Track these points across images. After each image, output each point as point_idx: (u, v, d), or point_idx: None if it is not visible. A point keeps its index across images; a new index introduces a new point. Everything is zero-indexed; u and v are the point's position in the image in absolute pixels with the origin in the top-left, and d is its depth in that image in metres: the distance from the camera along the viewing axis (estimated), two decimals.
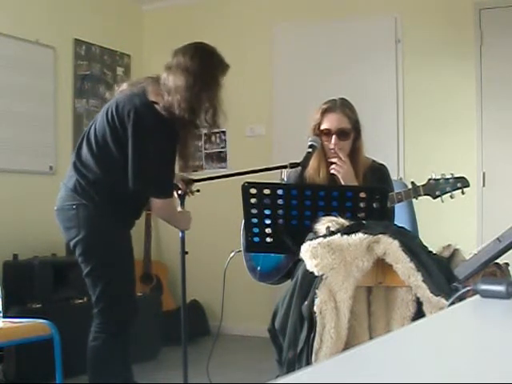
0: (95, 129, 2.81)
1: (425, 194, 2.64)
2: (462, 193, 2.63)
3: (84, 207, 2.75)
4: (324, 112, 2.81)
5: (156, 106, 2.69)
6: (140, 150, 2.70)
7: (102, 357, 2.82)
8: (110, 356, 2.82)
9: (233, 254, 2.79)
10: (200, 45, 2.81)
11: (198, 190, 3.08)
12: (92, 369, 2.82)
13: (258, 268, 2.79)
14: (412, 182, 2.66)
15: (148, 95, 2.73)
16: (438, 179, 2.62)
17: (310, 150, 2.74)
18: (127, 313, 2.89)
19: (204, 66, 2.72)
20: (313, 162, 2.79)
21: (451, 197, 2.65)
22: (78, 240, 2.78)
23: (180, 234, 2.95)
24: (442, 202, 2.65)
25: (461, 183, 2.62)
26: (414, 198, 2.68)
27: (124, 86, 2.90)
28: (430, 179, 2.64)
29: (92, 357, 2.81)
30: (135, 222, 2.98)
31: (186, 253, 2.95)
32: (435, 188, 2.62)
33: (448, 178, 2.63)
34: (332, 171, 2.77)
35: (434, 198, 2.64)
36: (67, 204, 2.79)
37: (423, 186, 2.64)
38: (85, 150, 2.81)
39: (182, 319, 2.95)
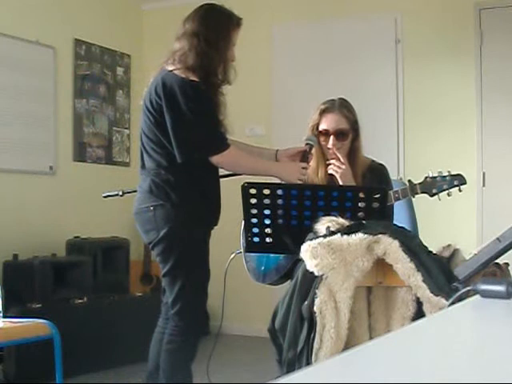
0: (141, 127, 2.82)
1: (422, 192, 2.63)
2: (459, 190, 2.63)
3: (161, 207, 2.71)
4: (322, 112, 2.81)
5: (175, 72, 2.72)
6: (175, 119, 2.68)
7: (178, 360, 2.77)
8: (184, 359, 2.78)
9: (233, 255, 2.78)
10: (205, 7, 2.85)
11: None
12: (166, 372, 2.77)
13: (262, 268, 2.79)
14: (409, 180, 2.66)
15: (167, 70, 2.76)
16: (435, 177, 2.62)
17: (307, 148, 2.75)
18: (201, 315, 2.86)
19: (210, 27, 2.77)
20: (311, 162, 2.80)
21: (448, 194, 2.64)
22: (157, 240, 2.73)
23: None
24: (439, 199, 2.64)
25: (457, 180, 2.61)
26: (412, 195, 2.67)
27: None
28: (426, 177, 2.63)
29: (167, 360, 2.76)
30: (214, 220, 2.86)
31: None
32: (432, 186, 2.62)
33: (445, 176, 2.62)
34: (330, 171, 2.77)
35: (431, 195, 2.63)
36: (144, 206, 2.75)
37: (420, 183, 2.63)
38: (145, 151, 2.80)
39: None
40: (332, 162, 2.76)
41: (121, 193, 3.19)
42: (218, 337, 3.05)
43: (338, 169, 2.74)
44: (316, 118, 2.81)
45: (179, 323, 2.76)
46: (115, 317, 4.43)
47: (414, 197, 2.70)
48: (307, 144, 2.76)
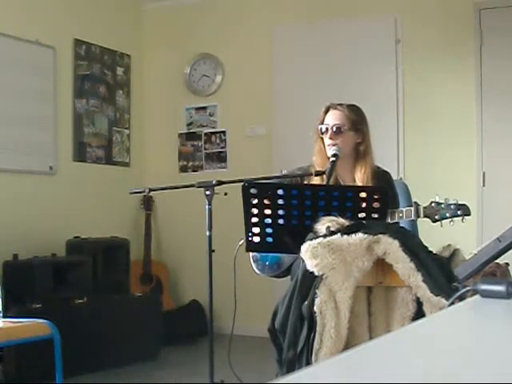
0: None
1: (424, 216, 2.62)
2: (462, 220, 2.61)
3: None
4: (327, 110, 2.87)
5: None
6: None
7: None
8: None
9: (242, 241, 2.70)
10: None
11: (226, 194, 2.97)
12: None
13: (267, 263, 2.79)
14: (415, 202, 2.64)
15: None
16: (440, 203, 2.60)
17: (334, 158, 2.76)
18: None
19: None
20: (318, 160, 2.83)
21: (451, 223, 2.62)
22: None
23: (207, 233, 2.89)
24: (441, 226, 2.62)
25: (462, 211, 2.59)
26: (415, 218, 2.65)
27: None
28: (432, 202, 2.62)
29: None
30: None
31: (213, 251, 2.90)
32: (436, 212, 2.60)
33: (450, 204, 2.59)
34: (332, 152, 2.78)
35: (434, 221, 2.61)
36: None
37: (424, 207, 2.62)
38: None
39: (210, 318, 2.98)
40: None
41: (147, 190, 3.14)
42: (232, 335, 3.02)
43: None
44: (321, 115, 2.87)
45: None
46: (115, 317, 4.43)
47: (416, 219, 2.69)
48: (334, 155, 2.77)
